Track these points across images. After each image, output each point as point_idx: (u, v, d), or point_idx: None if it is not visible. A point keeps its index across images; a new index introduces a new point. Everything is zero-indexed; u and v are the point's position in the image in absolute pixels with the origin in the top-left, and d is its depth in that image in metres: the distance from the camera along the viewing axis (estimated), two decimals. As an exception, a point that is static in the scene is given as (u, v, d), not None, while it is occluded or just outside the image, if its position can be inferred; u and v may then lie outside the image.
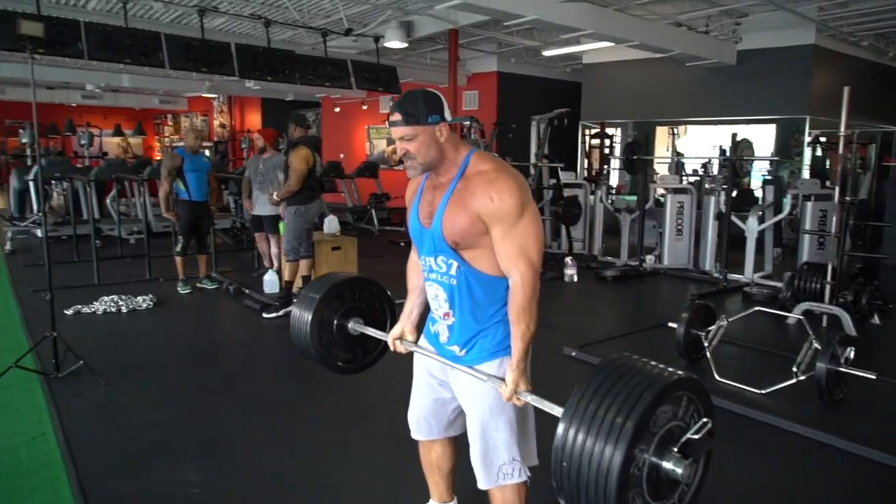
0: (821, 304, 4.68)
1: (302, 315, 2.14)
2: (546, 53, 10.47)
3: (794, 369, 3.33)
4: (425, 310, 1.98)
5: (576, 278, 6.59)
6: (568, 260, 6.67)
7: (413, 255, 2.00)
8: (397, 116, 1.67)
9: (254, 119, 17.06)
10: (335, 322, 2.16)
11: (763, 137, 11.18)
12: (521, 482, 1.81)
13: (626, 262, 7.31)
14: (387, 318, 2.30)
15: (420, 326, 1.98)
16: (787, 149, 10.03)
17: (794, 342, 4.17)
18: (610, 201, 8.11)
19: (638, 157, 7.02)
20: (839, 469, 2.78)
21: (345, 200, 12.22)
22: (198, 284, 5.98)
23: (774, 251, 6.87)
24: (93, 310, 5.07)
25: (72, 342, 3.77)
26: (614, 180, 11.54)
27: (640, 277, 6.85)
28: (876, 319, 4.87)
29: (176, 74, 14.06)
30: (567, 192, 8.04)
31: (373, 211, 10.79)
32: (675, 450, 1.38)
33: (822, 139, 9.82)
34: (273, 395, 3.57)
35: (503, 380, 1.69)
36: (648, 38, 8.15)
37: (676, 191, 7.16)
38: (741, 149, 5.86)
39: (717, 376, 3.59)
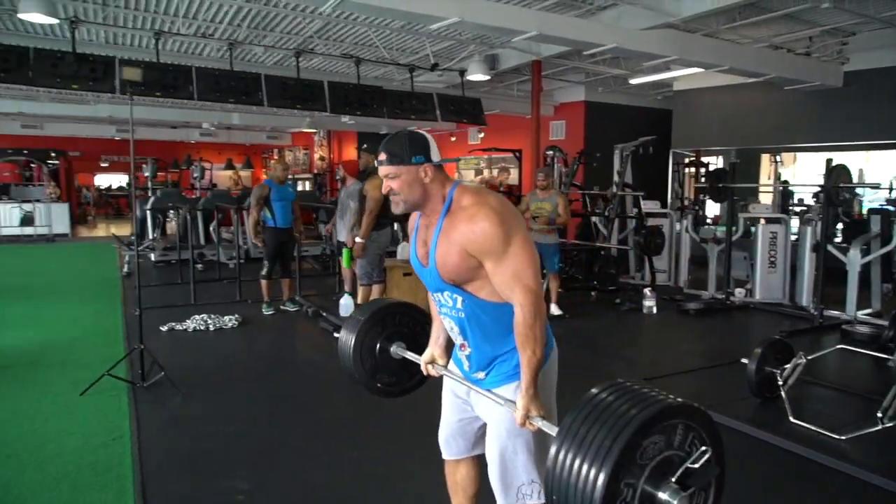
0: (929, 346, 4.21)
1: (346, 338, 2.23)
2: (633, 82, 10.29)
3: (879, 415, 3.01)
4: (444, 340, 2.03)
5: (655, 310, 6.32)
6: (647, 291, 6.43)
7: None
8: (382, 156, 1.74)
9: (350, 152, 17.92)
10: (378, 346, 2.23)
11: (887, 163, 10.33)
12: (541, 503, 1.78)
13: (713, 296, 6.92)
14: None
15: (448, 349, 2.01)
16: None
17: (885, 386, 3.77)
18: (696, 231, 7.74)
19: (724, 184, 6.67)
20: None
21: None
22: (281, 307, 6.32)
23: (883, 287, 6.25)
24: (184, 327, 5.49)
25: (161, 356, 4.14)
26: (713, 210, 11.01)
27: (727, 311, 6.46)
28: None
29: (280, 112, 15.17)
30: (652, 222, 7.79)
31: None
32: (673, 480, 1.32)
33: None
34: (332, 413, 3.70)
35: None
36: (740, 62, 7.81)
37: (769, 220, 6.73)
38: (836, 175, 5.43)
39: (791, 418, 3.32)
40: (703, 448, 1.36)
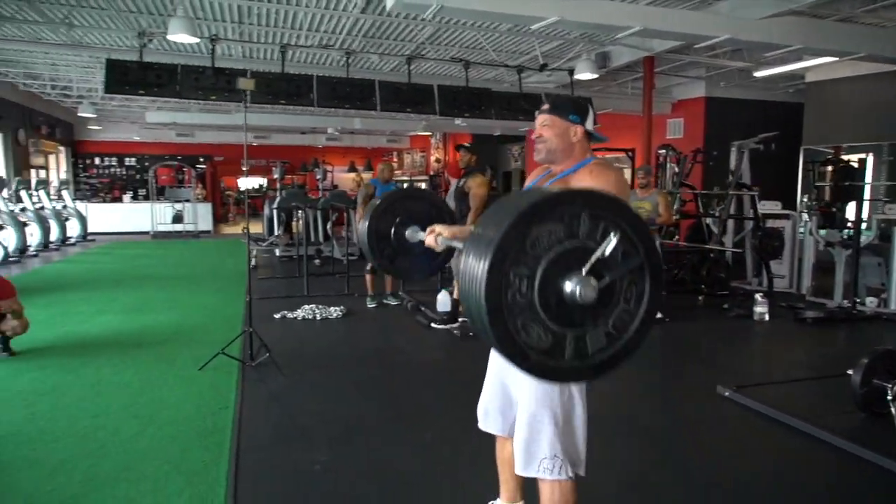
0: None
1: (361, 227, 2.42)
2: (758, 74, 9.60)
3: None
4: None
5: (767, 317, 5.90)
6: (758, 296, 6.02)
7: None
8: (545, 105, 1.99)
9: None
10: (392, 231, 2.37)
11: None
12: (564, 480, 1.82)
13: (840, 305, 6.33)
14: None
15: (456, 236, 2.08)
16: None
17: None
18: (820, 234, 7.10)
19: (850, 182, 6.08)
20: None
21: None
22: (383, 300, 6.66)
23: None
24: (294, 316, 5.97)
25: (271, 340, 4.55)
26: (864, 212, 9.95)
27: (853, 322, 5.88)
28: None
29: (397, 116, 15.82)
30: (772, 224, 7.27)
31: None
32: (584, 271, 1.30)
33: None
34: (413, 399, 3.89)
35: None
36: (880, 47, 7.06)
37: (908, 223, 6.04)
38: None
39: (900, 437, 3.02)
40: (614, 234, 1.32)
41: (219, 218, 19.09)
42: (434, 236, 2.10)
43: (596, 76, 8.99)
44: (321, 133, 19.47)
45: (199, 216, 15.51)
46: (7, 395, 3.73)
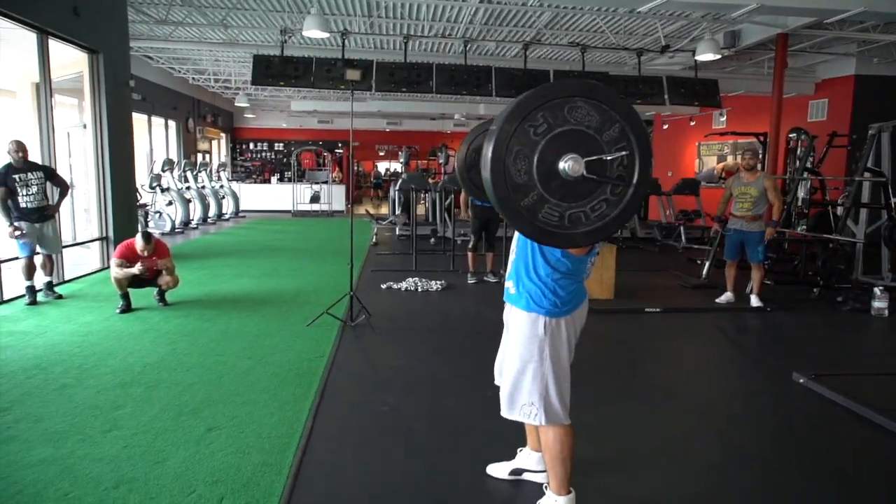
0: None
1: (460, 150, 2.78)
2: (919, 48, 8.62)
3: None
4: None
5: (886, 313, 5.47)
6: (877, 290, 5.57)
7: None
8: None
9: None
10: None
11: None
12: (545, 426, 2.08)
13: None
14: None
15: None
16: None
17: None
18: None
19: None
20: None
21: (658, 217, 12.06)
22: (483, 278, 7.01)
23: None
24: (398, 287, 6.51)
25: (374, 306, 5.12)
26: None
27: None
28: None
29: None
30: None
31: (681, 227, 10.47)
32: (584, 160, 1.56)
33: None
34: (484, 360, 4.20)
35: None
36: None
37: None
38: None
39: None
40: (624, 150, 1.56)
41: (354, 199, 20.48)
42: None
43: (719, 56, 8.59)
44: (449, 119, 20.13)
45: (334, 197, 16.79)
46: (158, 335, 4.59)
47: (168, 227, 11.43)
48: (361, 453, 2.79)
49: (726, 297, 5.91)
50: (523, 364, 2.11)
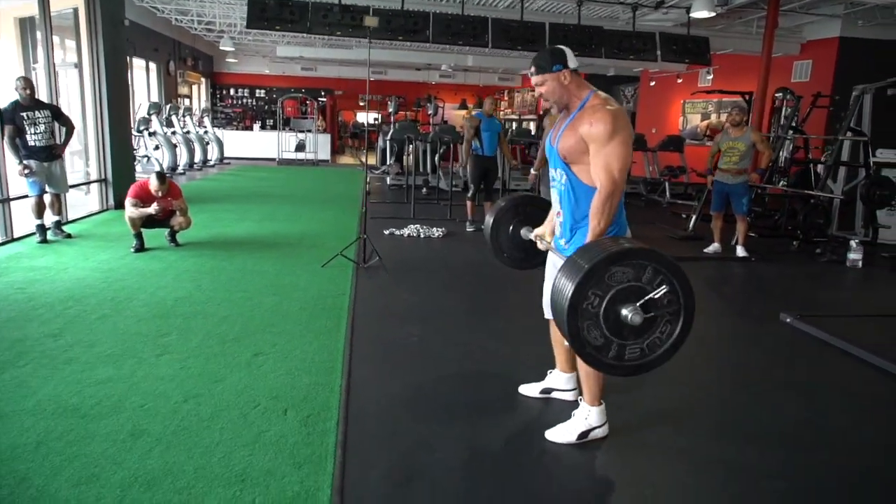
0: None
1: (488, 220, 2.99)
2: (903, 12, 8.88)
3: None
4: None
5: (860, 265, 5.89)
6: (853, 243, 5.98)
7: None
8: (532, 69, 2.32)
9: (576, 94, 18.05)
10: (511, 227, 2.95)
11: None
12: None
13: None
14: None
15: (554, 231, 2.60)
16: None
17: None
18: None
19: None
20: None
21: (643, 173, 12.36)
22: (481, 227, 7.21)
23: None
24: (401, 233, 6.73)
25: (381, 250, 5.32)
26: None
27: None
28: None
29: (511, 54, 15.94)
30: (888, 173, 6.98)
31: (666, 183, 10.80)
32: (638, 304, 1.84)
33: None
34: (494, 299, 4.54)
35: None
36: None
37: None
38: None
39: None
40: (665, 287, 1.83)
41: (336, 149, 20.36)
42: (540, 241, 2.58)
43: (714, 14, 8.74)
44: (435, 70, 19.95)
45: (319, 146, 16.70)
46: (179, 273, 4.75)
47: (156, 172, 11.34)
48: (400, 374, 3.06)
49: (714, 247, 6.27)
50: None
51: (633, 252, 1.85)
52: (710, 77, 12.74)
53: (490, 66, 18.60)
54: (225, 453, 2.24)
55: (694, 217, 7.49)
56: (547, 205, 2.97)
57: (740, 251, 6.07)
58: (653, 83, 14.94)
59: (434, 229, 6.85)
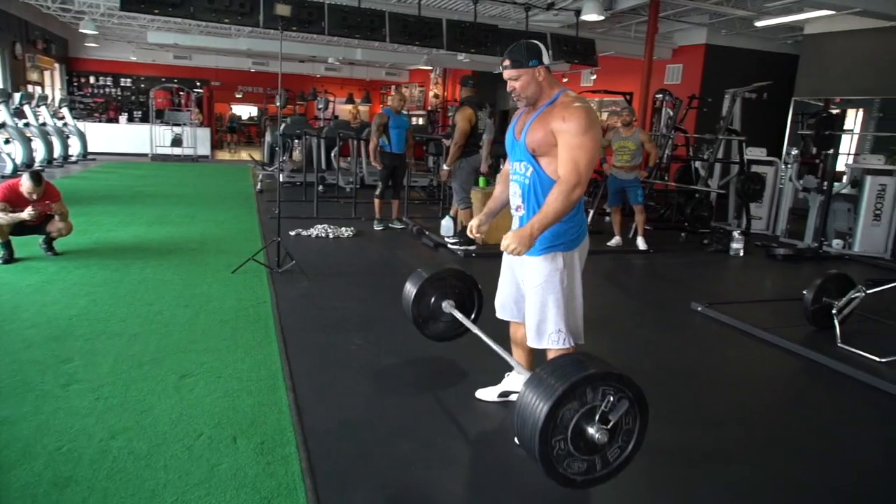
0: None
1: (409, 289, 2.98)
2: (759, 24, 9.86)
3: (920, 342, 3.25)
4: (497, 210, 2.56)
5: (742, 253, 6.47)
6: (735, 233, 6.56)
7: (505, 167, 2.60)
8: (506, 62, 2.26)
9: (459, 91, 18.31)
10: (432, 300, 2.96)
11: None
12: (567, 348, 2.33)
13: (809, 245, 6.90)
14: (474, 307, 3.03)
15: (491, 219, 2.50)
16: None
17: None
18: (799, 181, 7.61)
19: (830, 133, 6.53)
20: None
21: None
22: (389, 224, 7.11)
23: None
24: (308, 233, 6.43)
25: (291, 252, 5.01)
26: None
27: (818, 260, 6.47)
28: None
29: (399, 49, 15.84)
30: (756, 170, 7.74)
31: (558, 179, 11.22)
32: (598, 420, 1.82)
33: None
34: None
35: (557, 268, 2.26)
36: (872, 3, 7.37)
37: (879, 172, 6.54)
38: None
39: (839, 343, 3.60)
40: (616, 398, 1.83)
41: (214, 144, 19.17)
42: (475, 229, 2.46)
43: (602, 18, 9.19)
44: (321, 62, 19.38)
45: (199, 141, 15.63)
46: (66, 286, 4.19)
47: (9, 169, 10.03)
48: (350, 386, 2.89)
49: (615, 240, 6.60)
50: (545, 297, 2.32)
51: (580, 382, 1.79)
52: (594, 77, 13.41)
53: (377, 61, 18.38)
54: (176, 496, 1.98)
55: (591, 212, 7.84)
56: (468, 277, 2.98)
57: (641, 243, 6.43)
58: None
59: (343, 229, 6.62)
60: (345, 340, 3.48)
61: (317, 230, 6.51)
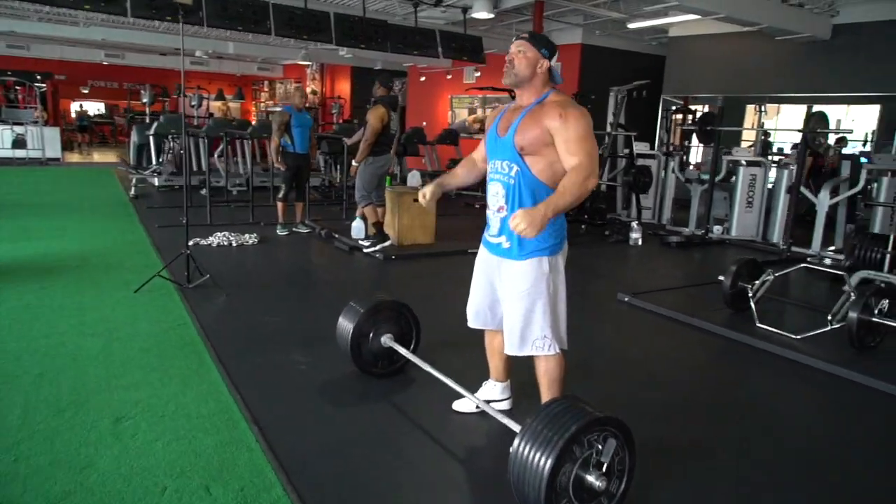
0: (879, 273, 4.80)
1: (345, 324, 2.86)
2: (631, 26, 10.52)
3: (829, 318, 3.61)
4: (450, 187, 2.55)
5: (640, 242, 6.89)
6: (633, 224, 6.97)
7: (473, 155, 2.56)
8: (525, 35, 2.27)
9: (343, 87, 17.91)
10: (371, 334, 2.86)
11: (866, 116, 10.90)
12: (552, 354, 2.29)
13: (693, 232, 7.50)
14: (412, 339, 2.98)
15: (439, 192, 2.45)
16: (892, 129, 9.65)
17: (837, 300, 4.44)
18: (682, 173, 8.25)
19: (712, 127, 7.13)
20: (858, 399, 3.09)
21: (425, 166, 12.79)
22: (294, 228, 6.73)
23: (847, 227, 6.87)
24: (208, 243, 5.90)
25: (194, 265, 4.52)
26: (697, 157, 11.53)
27: (705, 245, 7.06)
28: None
29: (273, 42, 15.10)
30: (641, 163, 8.26)
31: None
32: (594, 468, 1.81)
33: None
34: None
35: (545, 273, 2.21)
36: (735, 10, 8.12)
37: (749, 163, 7.25)
38: (814, 122, 5.92)
39: (758, 323, 3.91)
40: (602, 440, 1.83)
41: (64, 145, 17.16)
42: (423, 196, 2.41)
43: (492, 16, 9.34)
44: (186, 55, 17.97)
45: (47, 142, 13.88)
46: (-75, 321, 3.50)
47: None
48: (314, 411, 2.66)
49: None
50: (532, 302, 2.26)
51: (578, 432, 1.78)
52: (478, 75, 13.65)
53: (249, 55, 17.39)
54: (160, 568, 1.68)
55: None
56: (406, 308, 2.89)
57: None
58: (423, 79, 15.49)
59: (246, 236, 6.15)
60: (288, 360, 3.20)
61: (217, 238, 6.00)
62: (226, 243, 5.95)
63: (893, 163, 6.21)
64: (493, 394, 2.71)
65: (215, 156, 10.17)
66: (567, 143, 2.11)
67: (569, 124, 2.10)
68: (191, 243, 5.79)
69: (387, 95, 5.67)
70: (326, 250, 6.09)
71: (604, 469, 1.81)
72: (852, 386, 3.22)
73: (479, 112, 14.41)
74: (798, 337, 3.68)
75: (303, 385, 2.93)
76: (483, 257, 2.46)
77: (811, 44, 9.10)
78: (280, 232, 6.59)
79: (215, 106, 19.05)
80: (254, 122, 13.87)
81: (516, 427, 2.19)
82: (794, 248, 6.43)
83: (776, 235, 7.05)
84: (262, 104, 20.90)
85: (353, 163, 5.73)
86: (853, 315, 3.41)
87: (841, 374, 3.29)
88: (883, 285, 3.75)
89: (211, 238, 6.01)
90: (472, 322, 2.56)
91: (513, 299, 2.29)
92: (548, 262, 2.27)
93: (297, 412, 2.65)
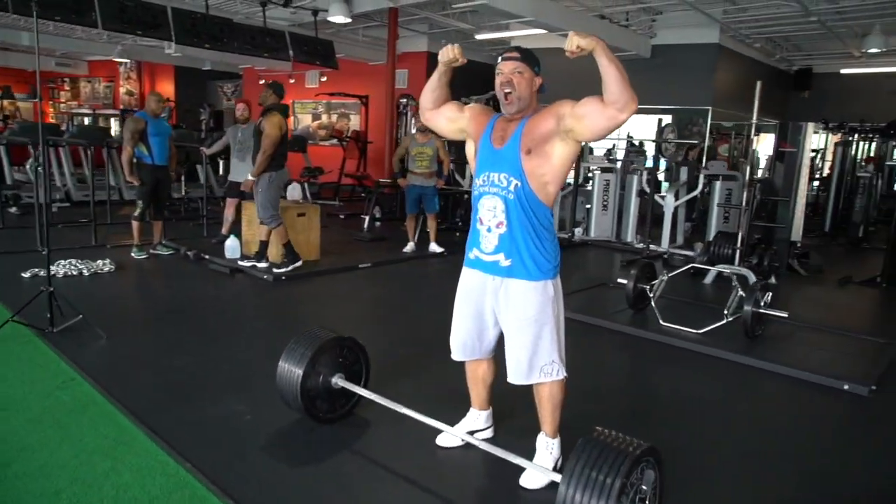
0: (731, 266, 5.50)
1: (290, 370, 2.55)
2: (478, 37, 10.92)
3: (725, 311, 4.05)
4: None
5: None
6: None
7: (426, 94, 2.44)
8: (516, 54, 2.13)
9: (166, 87, 16.29)
10: (321, 377, 2.61)
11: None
12: (559, 379, 2.26)
13: (560, 235, 7.99)
14: (363, 372, 2.77)
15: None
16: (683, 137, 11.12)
17: (713, 296, 5.05)
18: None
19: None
20: (757, 380, 3.51)
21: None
22: (151, 251, 5.94)
23: (686, 225, 7.79)
24: (53, 273, 4.97)
25: (40, 302, 3.70)
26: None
27: (571, 248, 7.55)
28: (773, 279, 5.80)
29: (75, 35, 13.26)
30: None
31: (305, 185, 10.82)
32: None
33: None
34: (270, 335, 3.79)
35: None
36: (576, 28, 8.79)
37: (604, 170, 7.91)
38: (666, 133, 6.64)
39: (661, 321, 4.25)
40: (649, 473, 1.87)
41: None
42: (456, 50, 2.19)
43: (349, 20, 9.10)
44: (50, 56, 15.21)
45: None
46: None
47: None
48: (280, 467, 2.34)
49: (410, 246, 6.66)
50: (539, 328, 2.19)
51: (649, 451, 1.82)
52: (324, 79, 13.25)
53: (45, 48, 15.06)
54: None
55: (367, 218, 7.78)
56: (353, 342, 2.74)
57: (434, 247, 6.61)
58: (262, 82, 14.61)
59: (98, 262, 5.28)
60: (227, 411, 2.79)
61: (64, 268, 5.08)
62: (75, 273, 5.07)
63: (723, 169, 7.17)
64: (477, 423, 2.61)
65: (27, 166, 8.65)
66: (581, 101, 2.05)
67: (574, 103, 2.06)
68: (27, 274, 4.92)
69: (278, 103, 5.24)
70: (202, 274, 5.45)
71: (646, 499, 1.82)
72: (750, 371, 3.64)
73: (325, 118, 13.98)
74: (700, 332, 4.06)
75: (253, 439, 2.56)
76: (472, 283, 2.35)
77: (636, 61, 10.17)
78: (137, 255, 5.77)
79: (3, 105, 16.29)
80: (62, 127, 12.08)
81: (519, 461, 2.14)
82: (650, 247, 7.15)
83: (629, 235, 7.77)
84: (63, 104, 18.27)
85: (250, 176, 5.18)
86: (748, 308, 3.85)
87: (741, 360, 3.71)
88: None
89: (54, 267, 5.06)
90: (459, 355, 2.44)
91: (520, 327, 2.22)
92: (552, 285, 2.23)
93: (262, 473, 2.30)
